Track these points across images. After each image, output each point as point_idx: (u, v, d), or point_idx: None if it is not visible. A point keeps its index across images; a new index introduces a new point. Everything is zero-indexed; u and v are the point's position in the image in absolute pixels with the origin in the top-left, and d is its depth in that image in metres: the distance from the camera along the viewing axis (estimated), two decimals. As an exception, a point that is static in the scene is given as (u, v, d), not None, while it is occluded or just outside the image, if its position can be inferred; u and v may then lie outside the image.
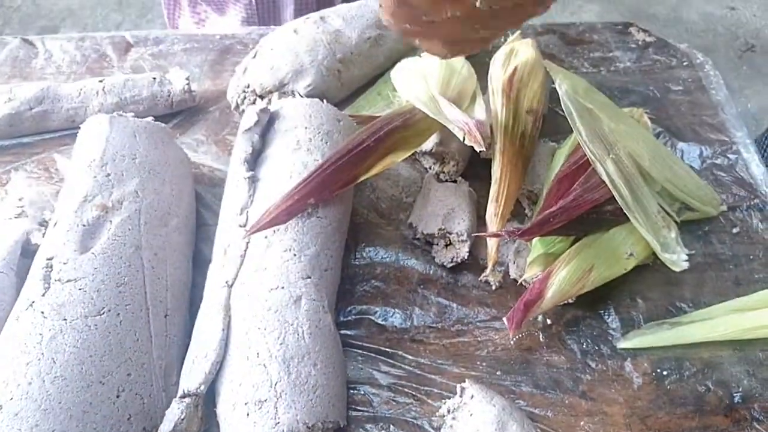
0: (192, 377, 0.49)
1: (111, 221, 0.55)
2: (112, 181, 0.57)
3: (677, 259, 0.61)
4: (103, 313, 0.50)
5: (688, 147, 0.73)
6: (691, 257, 0.64)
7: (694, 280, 0.63)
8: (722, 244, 0.66)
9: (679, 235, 0.64)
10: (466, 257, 0.62)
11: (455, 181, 0.68)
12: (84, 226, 0.54)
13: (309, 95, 0.73)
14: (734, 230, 0.66)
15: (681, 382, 0.57)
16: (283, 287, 0.52)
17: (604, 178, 0.59)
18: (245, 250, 0.55)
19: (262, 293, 0.52)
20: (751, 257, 0.65)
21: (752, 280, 0.64)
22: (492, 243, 0.60)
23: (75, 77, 0.80)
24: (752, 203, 0.68)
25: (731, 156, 0.72)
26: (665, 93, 0.79)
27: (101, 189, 0.56)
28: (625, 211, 0.59)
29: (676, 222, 0.64)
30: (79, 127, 0.64)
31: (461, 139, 0.58)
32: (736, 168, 0.71)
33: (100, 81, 0.73)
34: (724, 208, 0.67)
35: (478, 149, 0.57)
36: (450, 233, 0.63)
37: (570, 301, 0.60)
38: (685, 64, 0.82)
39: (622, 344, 0.59)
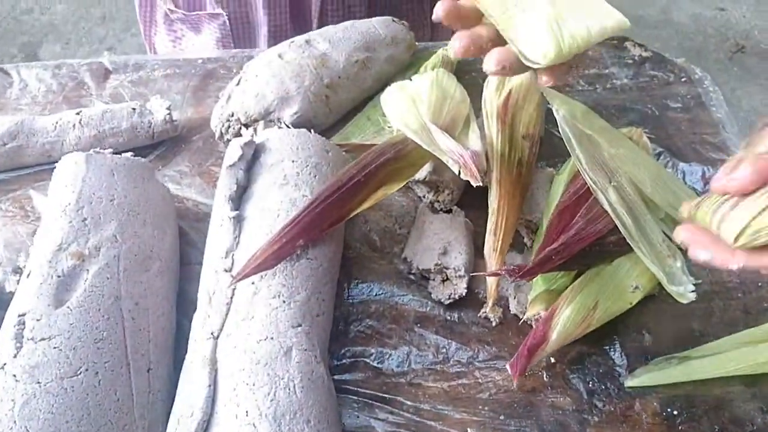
0: (177, 438, 0.46)
1: (88, 270, 0.51)
2: (88, 226, 0.54)
3: (684, 290, 0.58)
4: (80, 373, 0.46)
5: (690, 168, 0.71)
6: (697, 286, 0.61)
7: (701, 311, 0.61)
8: (729, 272, 0.63)
9: (685, 264, 0.61)
10: (464, 294, 0.60)
11: (450, 211, 0.66)
12: (59, 277, 0.50)
13: (296, 123, 0.70)
14: (741, 255, 0.64)
15: (693, 422, 0.54)
16: (272, 338, 0.49)
17: (606, 207, 0.57)
18: (231, 298, 0.52)
19: (249, 345, 0.49)
20: (759, 284, 0.62)
21: (761, 309, 0.61)
22: (491, 280, 0.57)
23: (51, 107, 0.77)
24: (758, 227, 0.65)
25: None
26: (664, 111, 0.77)
27: (77, 235, 0.53)
28: (629, 241, 0.57)
29: (681, 250, 0.61)
30: (56, 162, 0.61)
31: (456, 173, 0.55)
32: (740, 189, 0.69)
33: (77, 113, 0.70)
34: (730, 232, 0.65)
35: (474, 184, 0.54)
36: (447, 268, 0.60)
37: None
38: (683, 79, 0.80)
39: (630, 382, 0.56)
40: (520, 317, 0.59)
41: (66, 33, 2.23)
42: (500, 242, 0.58)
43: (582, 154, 0.58)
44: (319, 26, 0.81)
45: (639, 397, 0.56)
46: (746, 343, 0.57)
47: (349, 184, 0.56)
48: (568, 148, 0.58)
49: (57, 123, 0.69)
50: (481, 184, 0.54)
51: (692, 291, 0.59)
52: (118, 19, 2.25)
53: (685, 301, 0.59)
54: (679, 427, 0.54)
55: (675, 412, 0.55)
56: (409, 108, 0.63)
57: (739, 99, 2.09)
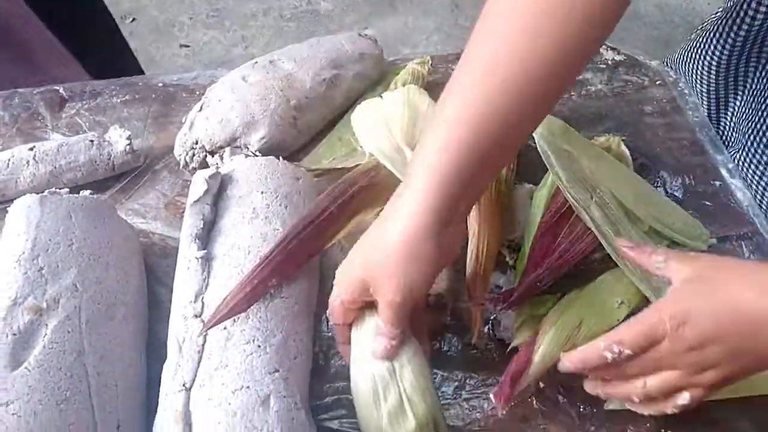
0: (151, 502, 0.43)
1: (47, 325, 0.48)
2: (45, 276, 0.50)
3: None
4: (42, 440, 0.43)
5: (670, 175, 0.69)
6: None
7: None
8: (715, 281, 0.62)
9: None
10: (447, 322, 0.57)
11: (429, 233, 0.63)
12: (15, 335, 0.47)
13: (264, 148, 0.67)
14: (725, 264, 0.63)
15: (687, 443, 0.53)
16: (248, 387, 0.47)
17: (590, 225, 0.55)
18: (203, 345, 0.49)
19: (225, 396, 0.46)
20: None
21: (748, 317, 0.60)
22: (475, 308, 0.55)
23: (4, 141, 0.73)
24: (741, 233, 0.65)
25: (715, 183, 0.68)
26: (640, 116, 0.75)
27: (33, 288, 0.49)
28: (614, 259, 0.55)
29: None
30: (9, 203, 0.57)
31: None
32: (721, 195, 0.68)
33: (31, 149, 0.66)
34: (714, 241, 0.64)
35: None
36: (429, 295, 0.58)
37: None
38: (657, 83, 0.79)
39: (610, 405, 0.55)
40: (507, 342, 0.57)
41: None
42: (483, 267, 0.56)
43: (562, 172, 0.57)
44: None
45: (631, 420, 0.54)
46: None
47: (321, 217, 0.53)
48: (548, 166, 0.57)
49: (9, 160, 0.65)
50: None
51: None
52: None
53: None
54: (665, 446, 0.53)
55: (669, 433, 0.53)
56: (381, 129, 0.61)
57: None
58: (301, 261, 0.53)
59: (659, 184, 0.68)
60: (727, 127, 0.79)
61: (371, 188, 0.56)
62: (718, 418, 0.54)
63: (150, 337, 0.57)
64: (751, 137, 0.72)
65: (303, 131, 0.71)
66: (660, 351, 0.44)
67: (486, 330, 0.58)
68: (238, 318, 0.50)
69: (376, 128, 0.61)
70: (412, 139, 0.60)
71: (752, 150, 0.72)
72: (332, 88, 0.72)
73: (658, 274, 0.47)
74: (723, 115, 0.79)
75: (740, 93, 0.75)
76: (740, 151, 0.75)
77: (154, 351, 0.55)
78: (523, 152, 0.70)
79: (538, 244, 0.55)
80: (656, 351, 0.44)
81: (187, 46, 2.06)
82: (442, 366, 0.57)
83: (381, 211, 0.63)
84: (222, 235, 0.55)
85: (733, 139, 0.78)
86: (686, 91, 0.77)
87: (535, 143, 0.72)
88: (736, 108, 0.77)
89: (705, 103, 0.79)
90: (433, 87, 0.75)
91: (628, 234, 0.57)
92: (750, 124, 0.72)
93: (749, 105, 0.74)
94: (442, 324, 0.58)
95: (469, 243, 0.58)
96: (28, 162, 0.65)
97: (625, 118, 0.75)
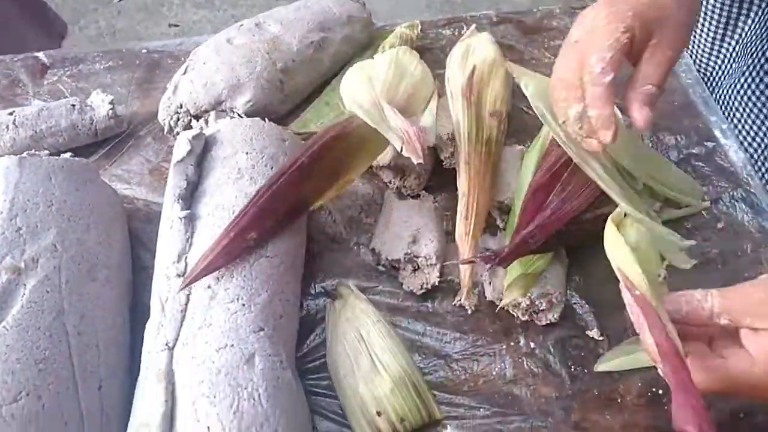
0: (134, 461, 0.43)
1: (25, 285, 0.47)
2: (23, 236, 0.49)
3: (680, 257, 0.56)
4: (21, 398, 0.42)
5: (662, 137, 0.68)
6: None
7: (681, 284, 0.57)
8: (708, 242, 0.61)
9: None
10: (437, 282, 0.57)
11: (418, 196, 0.62)
12: (-8, 294, 0.46)
13: (250, 112, 0.66)
14: (719, 225, 0.62)
15: (679, 401, 0.52)
16: (232, 345, 0.46)
17: (593, 176, 0.53)
18: (186, 304, 0.48)
19: (208, 354, 0.45)
20: (739, 253, 0.61)
21: (740, 279, 0.59)
22: (465, 267, 0.54)
23: (-16, 108, 0.71)
24: (735, 194, 0.64)
25: (708, 144, 0.67)
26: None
27: (11, 247, 0.48)
28: (619, 203, 0.53)
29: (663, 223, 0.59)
30: (-10, 169, 0.56)
31: (399, 150, 0.52)
32: (715, 156, 0.67)
33: (10, 113, 0.64)
34: (707, 203, 0.63)
35: (415, 161, 0.51)
36: (417, 257, 0.57)
37: (553, 320, 0.55)
38: (650, 45, 0.77)
39: (599, 367, 0.54)
40: (497, 304, 0.56)
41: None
42: (472, 226, 0.55)
43: (560, 129, 0.55)
44: None
45: (623, 378, 0.54)
46: None
47: (293, 168, 0.52)
48: (545, 124, 0.55)
49: (-11, 125, 0.64)
50: (422, 161, 0.51)
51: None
52: (65, 12, 2.15)
53: (686, 266, 0.56)
54: (665, 407, 0.52)
55: (660, 392, 0.53)
56: (364, 87, 0.59)
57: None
58: (282, 215, 0.51)
59: (652, 146, 0.68)
60: (731, 52, 0.77)
61: (344, 137, 0.54)
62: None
63: (134, 301, 0.56)
64: (762, 59, 0.70)
65: (290, 95, 0.69)
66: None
67: (475, 292, 0.57)
68: (222, 277, 0.49)
69: (359, 86, 0.59)
70: (394, 96, 0.59)
71: (757, 71, 0.70)
72: (320, 51, 0.70)
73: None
74: (729, 38, 0.76)
75: (751, 14, 0.73)
76: (743, 75, 0.72)
77: (138, 315, 0.54)
78: (513, 115, 0.69)
79: (530, 201, 0.53)
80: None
81: (176, 26, 2.03)
82: (432, 328, 0.56)
83: (370, 168, 0.63)
84: (206, 196, 0.54)
85: (733, 69, 0.76)
86: (679, 54, 0.76)
87: (524, 107, 0.71)
88: (745, 30, 0.74)
89: (713, 23, 0.76)
90: (423, 52, 0.74)
91: (627, 192, 0.56)
92: (760, 43, 0.70)
93: (760, 26, 0.71)
94: (432, 286, 0.57)
95: (459, 203, 0.57)
96: (7, 126, 0.64)
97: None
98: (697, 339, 0.43)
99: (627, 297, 0.44)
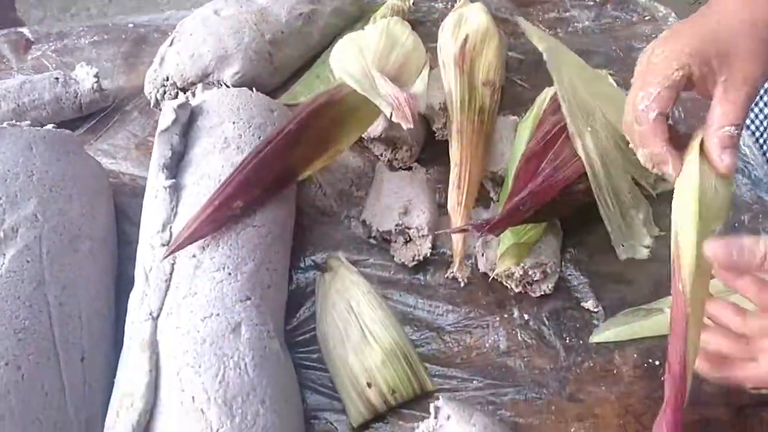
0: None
1: (4, 254, 0.46)
2: (3, 206, 0.48)
3: (635, 246, 0.55)
4: (-1, 368, 0.41)
5: (659, 109, 0.67)
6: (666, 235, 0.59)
7: (678, 255, 0.58)
8: (705, 214, 0.60)
9: (650, 215, 0.58)
10: (428, 254, 0.55)
11: (410, 168, 0.61)
12: (-30, 264, 0.45)
13: (238, 84, 0.64)
14: (715, 196, 0.61)
15: (675, 372, 0.51)
16: (218, 314, 0.45)
17: (581, 152, 0.53)
18: (170, 274, 0.47)
19: (193, 324, 0.44)
20: (736, 224, 0.60)
21: (739, 250, 0.58)
22: (457, 237, 0.53)
23: (-34, 84, 0.69)
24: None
25: (704, 114, 0.66)
26: (629, 52, 0.73)
27: (-10, 217, 0.47)
28: (595, 191, 0.53)
29: (652, 197, 0.58)
30: (-30, 142, 0.54)
31: (387, 116, 0.51)
32: (711, 128, 0.65)
33: (-8, 86, 0.63)
34: (704, 172, 0.61)
35: (405, 126, 0.50)
36: (409, 229, 0.56)
37: (548, 291, 0.54)
38: (647, 18, 0.76)
39: (594, 338, 0.53)
40: (489, 275, 0.55)
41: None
42: (464, 196, 0.54)
43: (566, 93, 0.54)
44: None
45: (618, 349, 0.53)
46: (720, 291, 0.54)
47: (280, 136, 0.50)
48: (556, 85, 0.54)
49: (-30, 98, 0.62)
50: (411, 126, 0.50)
51: (647, 246, 0.56)
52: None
53: (638, 257, 0.55)
54: (662, 378, 0.51)
55: (657, 363, 0.52)
56: (355, 57, 0.58)
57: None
58: (270, 183, 0.50)
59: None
60: None
61: (332, 105, 0.53)
62: (707, 346, 0.52)
63: (120, 275, 0.54)
64: None
65: (279, 68, 0.68)
66: None
67: (468, 264, 0.56)
68: (208, 246, 0.47)
69: (350, 56, 0.58)
70: (385, 65, 0.57)
71: None
72: (309, 23, 0.69)
73: None
74: None
75: None
76: None
77: (123, 288, 0.53)
78: (506, 88, 0.67)
79: (523, 169, 0.52)
80: None
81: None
82: (423, 301, 0.55)
83: (360, 140, 0.61)
84: (192, 166, 0.53)
85: None
86: (676, 26, 0.75)
87: (517, 79, 0.70)
88: None
89: None
90: (415, 25, 0.72)
91: (614, 168, 0.55)
92: None
93: None
94: (424, 257, 0.56)
95: (451, 173, 0.56)
96: (-11, 100, 0.62)
97: (612, 54, 0.73)
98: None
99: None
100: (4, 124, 0.53)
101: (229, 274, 0.47)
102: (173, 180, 0.51)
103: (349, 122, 0.54)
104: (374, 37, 0.60)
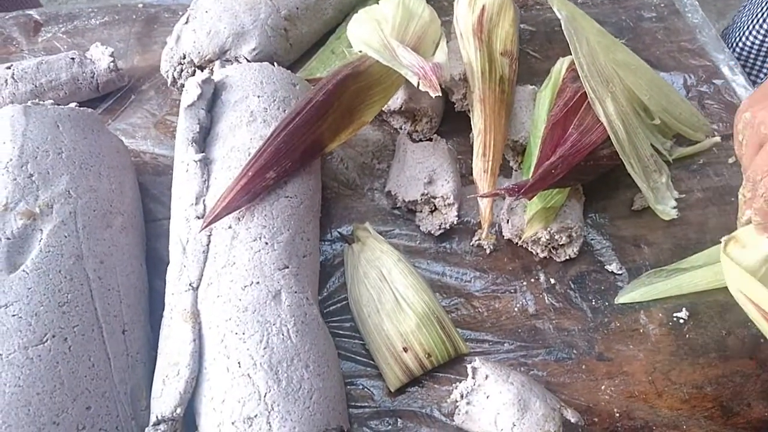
0: (164, 400, 0.42)
1: (41, 230, 0.46)
2: (36, 183, 0.48)
3: (665, 208, 0.57)
4: (46, 340, 0.41)
5: (671, 77, 0.68)
6: (690, 194, 0.60)
7: (696, 218, 0.59)
8: (720, 176, 0.62)
9: (670, 178, 0.59)
10: (455, 222, 0.56)
11: (431, 140, 0.62)
12: (9, 239, 0.45)
13: (255, 60, 0.64)
14: (730, 160, 0.62)
15: (699, 329, 0.53)
16: (258, 282, 0.45)
17: (603, 119, 0.54)
18: (207, 245, 0.47)
19: (234, 292, 0.45)
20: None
21: (754, 211, 0.60)
22: (485, 203, 0.54)
23: (-22, 67, 0.69)
24: (745, 129, 0.64)
25: (717, 81, 0.67)
26: (639, 21, 0.74)
27: (24, 193, 0.47)
28: (620, 155, 0.54)
29: (669, 162, 0.60)
30: (-10, 124, 0.54)
31: (415, 85, 0.51)
32: (723, 93, 0.67)
33: (8, 67, 0.62)
34: (718, 138, 0.63)
35: (433, 94, 0.50)
36: (434, 198, 0.56)
37: (572, 255, 0.55)
38: (655, -12, 0.77)
39: (619, 299, 0.54)
40: (515, 241, 0.56)
41: None
42: (490, 163, 0.55)
43: (583, 60, 0.55)
44: None
45: (643, 309, 0.54)
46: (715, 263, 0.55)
47: (308, 107, 0.51)
48: (572, 52, 0.55)
49: (-14, 80, 0.62)
50: (440, 94, 0.51)
51: (674, 207, 0.58)
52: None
53: (667, 218, 0.57)
54: (687, 336, 0.53)
55: (681, 321, 0.53)
56: (373, 30, 0.58)
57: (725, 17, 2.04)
58: (300, 154, 0.50)
59: (661, 86, 0.67)
60: None
61: (357, 76, 0.53)
62: (727, 303, 0.53)
63: (147, 252, 0.55)
64: None
65: (295, 45, 0.68)
66: None
67: (493, 232, 0.57)
68: (243, 217, 0.48)
69: (368, 30, 0.58)
70: (404, 37, 0.58)
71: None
72: (323, -1, 0.69)
73: None
74: None
75: None
76: (754, 12, 0.71)
77: (152, 265, 0.53)
78: (519, 58, 0.68)
79: (549, 136, 0.53)
80: None
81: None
82: (451, 268, 0.56)
83: (380, 115, 0.62)
84: (219, 140, 0.53)
85: (746, 8, 0.75)
86: (685, -5, 0.76)
87: (531, 50, 0.71)
88: None
89: None
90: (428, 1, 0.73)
91: (634, 132, 0.56)
92: None
93: None
94: (451, 226, 0.57)
95: (475, 141, 0.57)
96: (6, 81, 0.62)
97: (623, 23, 0.74)
98: None
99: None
100: (29, 103, 0.53)
101: (266, 243, 0.47)
102: (203, 154, 0.51)
103: (373, 93, 0.55)
104: (391, 10, 0.60)
